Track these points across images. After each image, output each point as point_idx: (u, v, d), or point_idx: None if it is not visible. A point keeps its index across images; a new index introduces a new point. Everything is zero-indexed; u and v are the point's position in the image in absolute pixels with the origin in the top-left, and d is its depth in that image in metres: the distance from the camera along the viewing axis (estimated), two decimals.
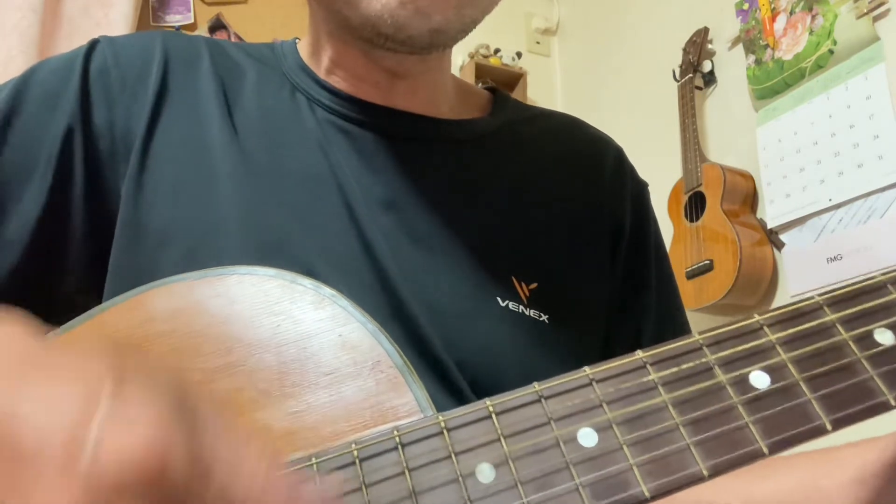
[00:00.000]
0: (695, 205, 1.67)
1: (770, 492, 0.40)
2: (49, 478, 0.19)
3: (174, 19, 2.09)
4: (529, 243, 0.51)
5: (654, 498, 0.25)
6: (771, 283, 1.55)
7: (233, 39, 2.14)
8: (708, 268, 1.57)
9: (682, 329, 0.59)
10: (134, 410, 0.21)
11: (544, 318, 0.48)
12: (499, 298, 0.47)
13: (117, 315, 0.35)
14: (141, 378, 0.22)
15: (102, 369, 0.22)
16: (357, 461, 0.27)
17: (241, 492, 0.22)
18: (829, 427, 0.25)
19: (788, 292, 1.51)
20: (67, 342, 0.24)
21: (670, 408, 0.26)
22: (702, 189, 1.64)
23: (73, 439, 0.20)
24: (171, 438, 0.21)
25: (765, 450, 0.25)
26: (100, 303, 0.42)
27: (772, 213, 1.57)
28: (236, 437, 0.23)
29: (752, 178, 1.64)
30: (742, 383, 0.27)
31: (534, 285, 0.49)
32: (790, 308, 0.28)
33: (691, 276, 1.61)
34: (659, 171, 1.82)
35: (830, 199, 1.44)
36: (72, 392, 0.21)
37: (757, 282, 1.53)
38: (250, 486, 0.22)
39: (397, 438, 0.28)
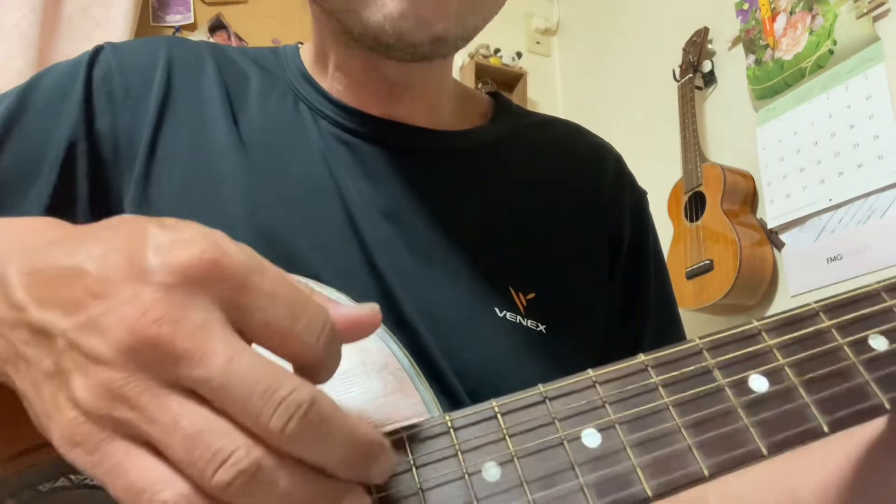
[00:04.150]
0: (695, 205, 1.67)
1: (745, 486, 0.41)
2: (122, 293, 0.22)
3: (174, 19, 2.09)
4: (528, 253, 0.52)
5: (656, 497, 0.25)
6: (771, 284, 1.56)
7: (233, 39, 2.14)
8: (708, 268, 1.58)
9: (678, 339, 0.60)
10: (181, 232, 0.24)
11: (541, 327, 0.49)
12: (496, 308, 0.47)
13: None
14: (178, 224, 0.25)
15: (142, 221, 0.25)
16: None
17: (292, 297, 0.25)
18: (826, 430, 0.26)
19: (788, 292, 1.51)
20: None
21: (671, 409, 0.27)
22: (702, 189, 1.65)
23: (132, 258, 0.23)
24: (222, 240, 0.24)
25: (764, 451, 0.25)
26: None
27: (772, 213, 1.57)
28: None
29: (752, 178, 1.65)
30: (741, 386, 0.28)
31: (531, 295, 0.49)
32: (787, 314, 0.29)
33: (691, 276, 1.62)
34: (659, 171, 1.83)
35: (830, 199, 1.44)
36: (119, 235, 0.24)
37: (757, 282, 1.54)
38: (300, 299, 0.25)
39: (404, 437, 0.28)
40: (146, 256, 0.23)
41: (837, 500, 0.35)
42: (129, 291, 0.22)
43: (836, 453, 0.36)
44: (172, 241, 0.23)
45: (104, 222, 0.26)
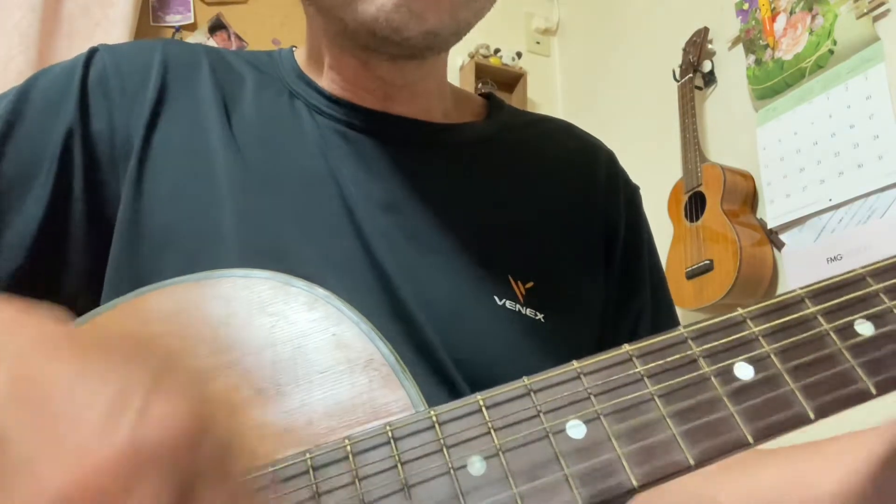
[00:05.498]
0: (695, 205, 1.67)
1: (755, 484, 0.41)
2: (85, 439, 0.20)
3: (174, 19, 2.10)
4: (525, 243, 0.52)
5: (642, 487, 0.25)
6: (771, 284, 1.55)
7: (233, 39, 2.14)
8: (708, 268, 1.57)
9: None
10: (173, 404, 0.21)
11: (540, 316, 0.49)
12: (496, 297, 0.48)
13: (117, 316, 0.36)
14: (176, 378, 0.23)
15: (142, 369, 0.22)
16: (350, 455, 0.28)
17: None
18: (812, 416, 0.25)
19: None
20: (103, 333, 0.24)
21: (656, 399, 0.27)
22: (702, 189, 1.65)
23: (113, 405, 0.21)
24: (208, 417, 0.22)
25: (749, 439, 0.25)
26: (98, 305, 0.42)
27: (772, 213, 1.57)
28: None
29: (752, 178, 1.64)
30: (726, 374, 0.27)
31: (530, 284, 0.50)
32: (773, 301, 0.29)
33: (691, 276, 1.62)
34: (659, 171, 1.83)
35: (830, 199, 1.44)
36: (110, 381, 0.22)
37: (757, 282, 1.53)
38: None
39: (389, 433, 0.28)
40: (125, 413, 0.21)
41: (855, 499, 0.35)
42: (94, 440, 0.20)
43: (856, 451, 0.36)
44: (161, 411, 0.21)
45: (121, 335, 0.24)
